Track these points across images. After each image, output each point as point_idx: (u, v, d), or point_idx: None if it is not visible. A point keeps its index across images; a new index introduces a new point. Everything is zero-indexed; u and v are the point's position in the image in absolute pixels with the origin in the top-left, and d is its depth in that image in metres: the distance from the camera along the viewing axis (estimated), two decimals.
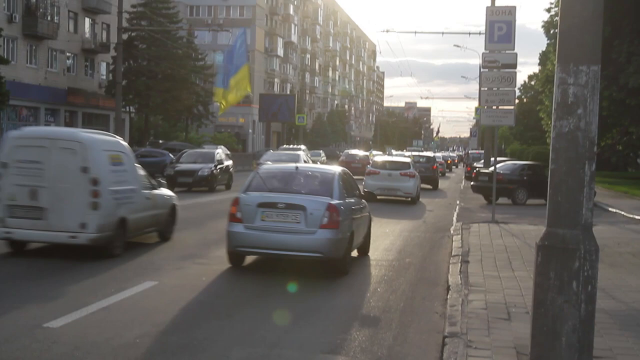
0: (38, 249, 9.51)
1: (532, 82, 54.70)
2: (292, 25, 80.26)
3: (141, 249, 9.72)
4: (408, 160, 22.84)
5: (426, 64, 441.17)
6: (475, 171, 24.34)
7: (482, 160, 33.80)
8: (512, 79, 14.08)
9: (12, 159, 8.90)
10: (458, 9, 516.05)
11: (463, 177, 37.74)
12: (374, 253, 10.44)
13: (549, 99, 31.35)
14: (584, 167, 4.43)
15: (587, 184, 4.43)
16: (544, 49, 42.29)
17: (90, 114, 43.75)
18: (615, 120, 26.15)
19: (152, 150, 31.73)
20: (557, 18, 4.74)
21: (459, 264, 8.91)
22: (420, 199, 21.25)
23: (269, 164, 11.73)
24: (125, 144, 10.24)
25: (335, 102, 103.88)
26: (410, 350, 5.55)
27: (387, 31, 36.51)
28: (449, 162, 50.28)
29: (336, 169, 9.66)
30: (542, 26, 33.88)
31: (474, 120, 58.82)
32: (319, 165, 12.16)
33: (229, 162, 24.40)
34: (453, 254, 10.06)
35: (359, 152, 39.31)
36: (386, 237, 12.20)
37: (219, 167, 22.47)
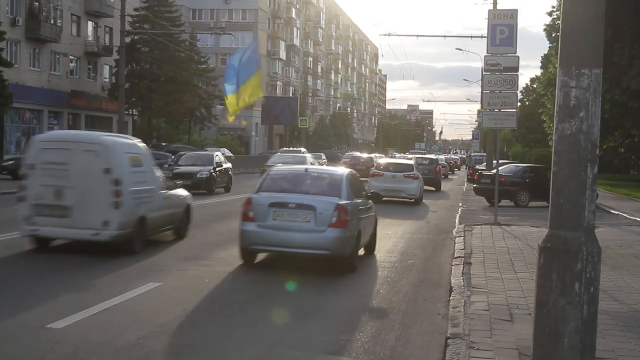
0: (42, 249, 9.55)
1: (534, 85, 54.76)
2: (295, 29, 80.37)
3: (144, 251, 9.74)
4: (411, 162, 23.26)
5: (428, 67, 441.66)
6: (477, 174, 24.40)
7: (485, 163, 33.86)
8: (514, 82, 14.10)
9: (38, 160, 9.36)
10: (460, 12, 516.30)
11: (465, 179, 37.75)
12: (377, 254, 10.47)
13: (551, 101, 31.35)
14: (586, 170, 4.44)
15: (589, 187, 4.44)
16: (545, 52, 42.30)
17: (93, 116, 43.86)
18: (617, 123, 26.14)
19: (155, 152, 31.78)
20: (559, 21, 4.75)
21: (462, 266, 8.92)
22: (423, 201, 21.53)
23: (280, 166, 12.08)
24: (144, 146, 10.72)
25: (338, 104, 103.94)
26: (413, 351, 5.56)
27: (389, 34, 36.69)
28: (451, 164, 50.44)
29: (344, 170, 9.95)
30: (544, 29, 33.91)
31: (476, 123, 58.82)
32: (327, 167, 12.50)
33: (228, 165, 24.41)
34: (455, 255, 10.07)
35: (363, 155, 39.53)
36: (389, 238, 12.21)
37: (217, 169, 22.45)
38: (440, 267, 9.62)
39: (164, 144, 41.79)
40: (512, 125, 14.86)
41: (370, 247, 10.47)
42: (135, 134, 47.60)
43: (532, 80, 57.73)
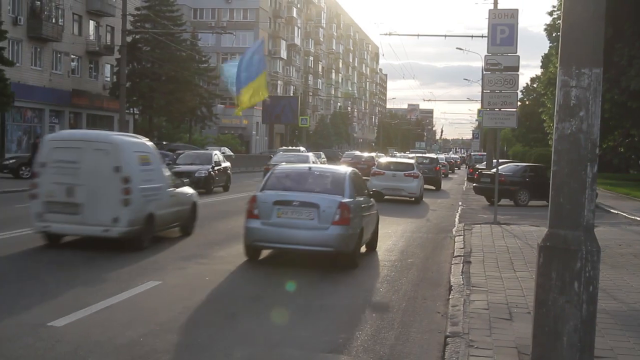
0: (44, 247, 9.58)
1: (535, 85, 54.79)
2: (295, 28, 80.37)
3: (145, 249, 9.77)
4: (412, 161, 23.43)
5: (429, 67, 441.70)
6: (477, 173, 24.45)
7: (485, 162, 33.89)
8: (515, 81, 14.12)
9: (50, 159, 9.60)
10: (461, 12, 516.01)
11: (465, 178, 37.80)
12: (377, 253, 10.48)
13: (551, 101, 31.37)
14: (585, 169, 4.45)
15: (589, 186, 4.45)
16: (546, 51, 42.34)
17: (95, 115, 43.90)
18: (617, 122, 26.16)
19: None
20: (559, 21, 4.76)
21: (461, 265, 8.93)
22: (424, 199, 21.73)
23: (284, 165, 12.25)
24: (152, 145, 11.01)
25: (338, 104, 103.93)
26: (412, 349, 5.57)
27: (390, 34, 36.97)
28: (451, 163, 50.61)
29: (347, 169, 10.16)
30: (544, 29, 33.92)
31: (477, 122, 58.81)
32: (330, 166, 12.67)
33: (227, 164, 24.40)
34: (455, 254, 10.09)
35: (364, 154, 39.65)
36: (389, 237, 12.23)
37: (216, 168, 22.42)
38: (440, 266, 9.63)
39: (164, 142, 41.85)
40: (512, 124, 14.88)
41: (372, 245, 10.66)
42: (136, 133, 47.63)
43: (533, 79, 57.80)
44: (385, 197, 20.11)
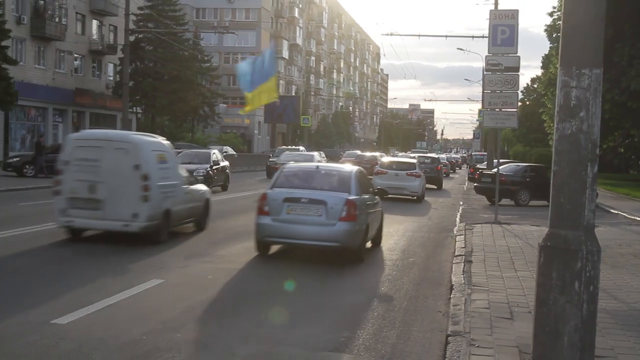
0: (47, 245, 9.62)
1: (535, 85, 54.74)
2: (297, 28, 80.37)
3: (148, 248, 9.81)
4: (414, 161, 23.71)
5: (430, 67, 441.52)
6: (478, 173, 24.50)
7: (485, 162, 33.92)
8: (515, 81, 14.14)
9: (73, 157, 10.10)
10: (461, 12, 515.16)
11: (466, 178, 37.82)
12: (378, 254, 10.51)
13: (551, 101, 31.35)
14: (586, 169, 4.47)
15: (589, 186, 4.47)
16: (546, 52, 42.28)
17: (98, 114, 43.99)
18: (617, 123, 26.13)
19: None
20: (560, 22, 4.79)
21: (462, 264, 8.96)
22: (425, 198, 21.93)
23: (292, 163, 12.58)
24: (168, 144, 11.52)
25: (340, 103, 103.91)
26: (414, 348, 5.59)
27: (391, 34, 37.11)
28: (452, 162, 50.76)
29: (352, 168, 10.54)
30: (545, 30, 33.88)
31: (477, 123, 58.75)
32: (337, 165, 12.93)
33: (225, 163, 24.39)
34: (456, 254, 10.12)
35: (366, 153, 39.82)
36: (391, 236, 12.26)
37: (215, 167, 22.38)
38: (441, 265, 9.66)
39: None
40: (513, 124, 14.91)
41: (377, 240, 10.98)
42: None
43: (533, 80, 57.73)
44: (388, 195, 20.25)
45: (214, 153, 23.61)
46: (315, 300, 7.14)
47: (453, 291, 7.39)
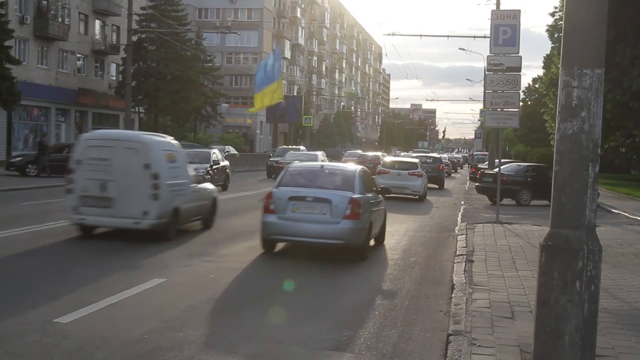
0: (48, 245, 9.65)
1: (537, 85, 54.66)
2: (299, 28, 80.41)
3: (149, 247, 9.83)
4: (416, 160, 23.93)
5: (431, 67, 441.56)
6: (479, 172, 24.54)
7: (487, 162, 33.93)
8: (517, 81, 14.13)
9: (85, 157, 10.37)
10: (463, 12, 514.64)
11: (468, 178, 37.83)
12: (379, 253, 10.53)
13: (553, 101, 31.31)
14: (587, 169, 4.47)
15: (590, 186, 4.47)
16: (548, 52, 42.19)
17: (100, 114, 44.07)
18: (618, 123, 26.09)
19: None
20: (562, 22, 4.79)
21: (464, 264, 8.96)
22: (427, 197, 22.17)
23: (297, 163, 12.79)
24: (177, 144, 11.75)
25: (342, 103, 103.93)
26: (415, 347, 5.60)
27: (393, 34, 37.18)
28: (454, 162, 50.85)
29: (356, 167, 10.71)
30: (547, 30, 33.81)
31: (479, 122, 58.73)
32: (341, 164, 13.13)
33: (225, 163, 24.40)
34: (457, 253, 10.12)
35: (369, 153, 39.94)
36: (392, 236, 12.27)
37: (214, 167, 22.37)
38: (443, 265, 9.67)
39: None
40: (515, 124, 14.90)
41: (380, 238, 11.16)
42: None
43: (535, 80, 57.67)
44: (390, 194, 20.34)
45: (214, 153, 23.61)
46: (317, 300, 7.15)
47: (454, 290, 7.39)
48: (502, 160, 20.27)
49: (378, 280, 8.53)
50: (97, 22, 43.59)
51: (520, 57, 14.00)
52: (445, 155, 53.75)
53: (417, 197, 21.42)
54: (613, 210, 18.73)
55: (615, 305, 6.70)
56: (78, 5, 40.78)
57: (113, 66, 45.59)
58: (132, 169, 10.17)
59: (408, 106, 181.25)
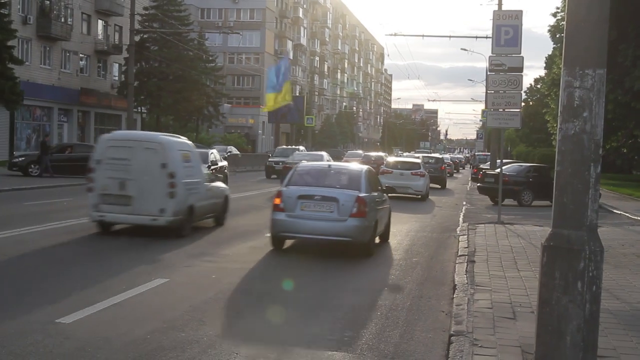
0: (50, 246, 9.67)
1: (538, 86, 54.62)
2: (302, 28, 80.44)
3: (151, 248, 9.85)
4: (418, 160, 24.18)
5: (433, 67, 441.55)
6: (481, 173, 24.56)
7: (489, 162, 33.92)
8: (519, 82, 14.13)
9: (104, 156, 10.81)
10: (465, 13, 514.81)
11: (469, 178, 37.84)
12: (382, 253, 10.53)
13: (554, 102, 31.26)
14: (589, 170, 4.47)
15: (592, 186, 4.47)
16: (549, 52, 42.16)
17: (103, 114, 44.14)
18: (620, 123, 26.04)
19: None
20: (563, 22, 4.78)
21: (465, 264, 8.96)
22: (430, 197, 22.43)
23: (305, 162, 13.09)
24: (192, 144, 12.20)
25: (344, 103, 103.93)
26: (417, 347, 5.60)
27: (395, 34, 37.23)
28: (455, 162, 50.97)
29: (362, 167, 11.05)
30: (548, 30, 33.74)
31: (481, 123, 58.69)
32: (347, 164, 13.38)
33: (224, 163, 24.42)
34: (459, 253, 10.12)
35: (372, 153, 40.01)
36: (394, 236, 12.27)
37: (212, 167, 22.40)
38: (444, 265, 9.67)
39: None
40: (516, 125, 14.89)
41: (385, 236, 11.45)
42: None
43: (536, 80, 57.63)
44: (392, 194, 20.41)
45: (212, 153, 23.61)
46: (318, 300, 7.16)
47: (456, 291, 7.39)
48: (504, 161, 20.28)
49: (380, 280, 8.53)
50: (100, 22, 43.66)
51: (522, 57, 13.99)
52: (447, 156, 53.86)
53: (419, 196, 21.71)
54: (615, 211, 18.71)
55: (616, 306, 6.70)
56: (81, 5, 40.85)
57: (115, 66, 45.66)
58: (150, 168, 10.58)
59: (410, 106, 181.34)
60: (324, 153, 30.49)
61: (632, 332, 5.80)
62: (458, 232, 13.27)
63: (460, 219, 15.72)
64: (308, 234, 9.57)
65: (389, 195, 19.41)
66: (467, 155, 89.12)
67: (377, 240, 10.67)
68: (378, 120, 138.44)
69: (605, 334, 5.54)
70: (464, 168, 60.11)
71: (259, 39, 69.94)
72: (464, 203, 20.89)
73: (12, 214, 13.52)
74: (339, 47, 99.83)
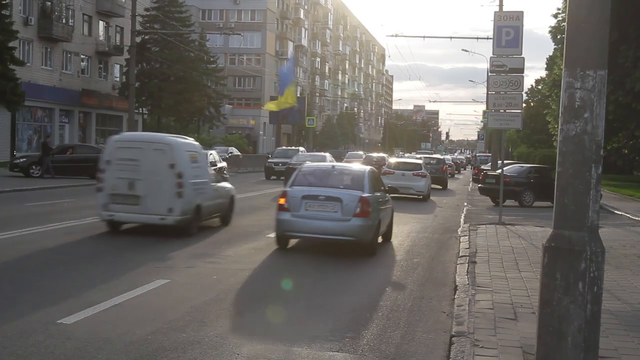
0: (51, 246, 9.68)
1: (539, 86, 54.67)
2: (303, 29, 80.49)
3: (152, 248, 9.86)
4: (420, 161, 24.36)
5: (434, 68, 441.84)
6: (482, 173, 24.63)
7: (490, 163, 33.94)
8: (520, 83, 14.12)
9: (114, 157, 11.05)
10: (466, 14, 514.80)
11: (471, 179, 37.86)
12: (383, 253, 10.54)
13: (555, 103, 31.29)
14: (590, 170, 4.47)
15: (593, 187, 4.47)
16: (550, 53, 42.23)
17: (104, 115, 44.20)
18: (621, 124, 26.06)
19: None
20: (564, 23, 4.79)
21: (466, 265, 8.96)
22: (431, 198, 22.58)
23: (309, 163, 13.16)
24: (199, 145, 12.44)
25: (345, 104, 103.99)
26: (418, 348, 5.61)
27: (396, 35, 37.47)
28: (456, 163, 51.04)
29: (366, 167, 11.22)
30: (549, 31, 33.78)
31: (482, 124, 58.71)
32: (351, 164, 13.52)
33: (223, 164, 24.48)
34: (460, 254, 10.12)
35: (373, 154, 40.13)
36: (395, 237, 12.27)
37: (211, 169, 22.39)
38: (445, 266, 9.67)
39: None
40: (517, 125, 14.89)
41: (387, 236, 11.62)
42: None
43: (537, 81, 57.69)
44: (394, 195, 20.51)
45: (210, 154, 23.64)
46: (320, 301, 7.16)
47: (457, 292, 7.39)
48: (505, 162, 20.30)
49: (381, 281, 8.53)
50: (101, 24, 43.73)
51: (523, 58, 13.99)
52: (448, 157, 53.91)
53: (421, 197, 21.89)
54: (616, 212, 18.70)
55: (618, 307, 6.69)
56: (82, 7, 40.91)
57: (117, 67, 45.73)
58: (158, 168, 10.79)
59: (411, 107, 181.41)
60: (327, 154, 30.56)
61: (633, 333, 5.79)
62: (459, 232, 13.27)
63: (462, 220, 15.72)
64: (312, 233, 9.72)
65: (391, 195, 19.55)
66: (468, 156, 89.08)
67: (379, 239, 10.78)
68: (379, 121, 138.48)
69: (607, 334, 5.54)
70: (465, 169, 60.11)
71: (260, 40, 69.99)
72: (465, 204, 20.90)
73: (13, 214, 13.54)
74: (340, 48, 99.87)
